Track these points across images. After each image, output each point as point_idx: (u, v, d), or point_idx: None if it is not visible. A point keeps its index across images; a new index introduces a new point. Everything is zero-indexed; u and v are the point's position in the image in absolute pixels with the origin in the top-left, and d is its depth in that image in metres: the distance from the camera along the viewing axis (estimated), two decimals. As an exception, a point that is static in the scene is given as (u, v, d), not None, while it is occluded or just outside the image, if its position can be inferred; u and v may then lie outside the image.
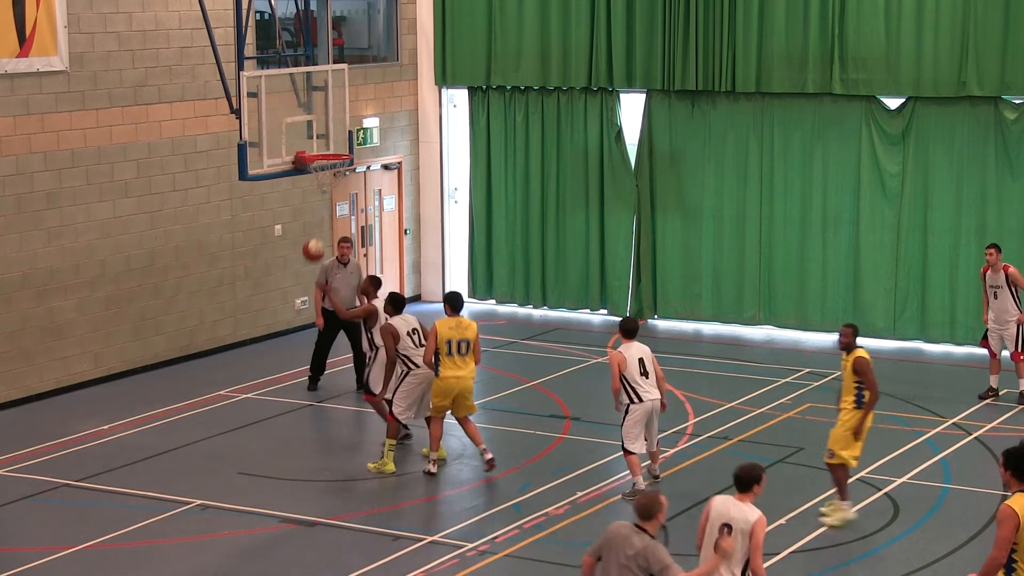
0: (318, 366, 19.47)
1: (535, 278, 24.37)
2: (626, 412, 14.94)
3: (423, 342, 15.86)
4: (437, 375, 15.52)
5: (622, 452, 15.03)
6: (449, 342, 15.46)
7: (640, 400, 14.88)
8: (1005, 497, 14.88)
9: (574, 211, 23.94)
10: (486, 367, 20.66)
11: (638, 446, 14.93)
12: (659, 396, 15.00)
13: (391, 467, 15.80)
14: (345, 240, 19.23)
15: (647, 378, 14.90)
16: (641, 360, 14.92)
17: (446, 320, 15.56)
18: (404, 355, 15.85)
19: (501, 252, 24.62)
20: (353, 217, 23.91)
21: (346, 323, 18.83)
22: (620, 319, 16.66)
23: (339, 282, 18.92)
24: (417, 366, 15.78)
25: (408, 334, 15.91)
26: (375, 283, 17.38)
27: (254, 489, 15.38)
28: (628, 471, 15.16)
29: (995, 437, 16.91)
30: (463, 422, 15.95)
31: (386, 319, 16.23)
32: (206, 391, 19.17)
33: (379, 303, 16.92)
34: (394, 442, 15.95)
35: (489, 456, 15.74)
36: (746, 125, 22.63)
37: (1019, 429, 17.15)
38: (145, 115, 20.26)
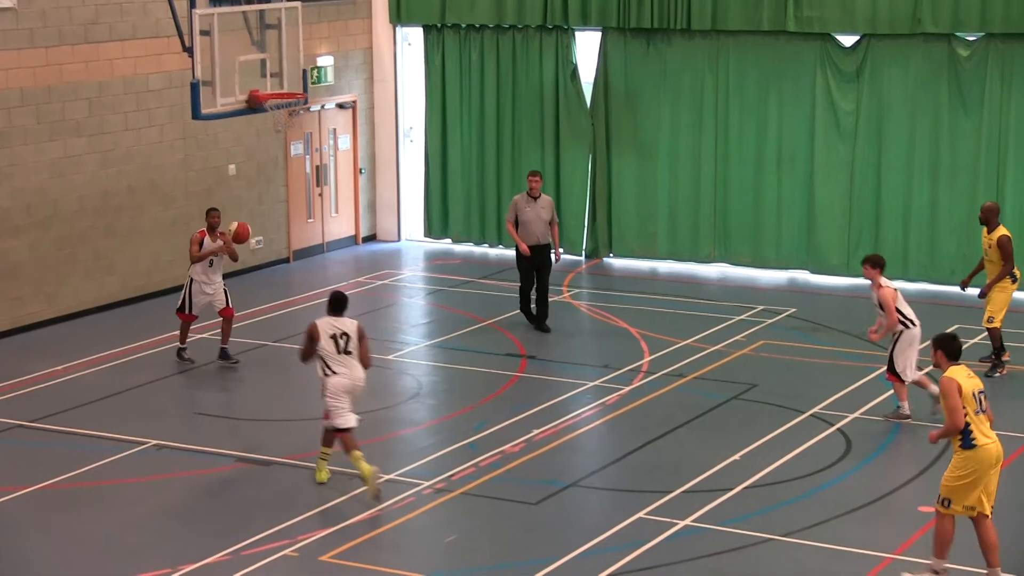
0: (526, 298, 19.35)
1: (491, 217, 24.35)
2: (898, 337, 15.27)
3: (348, 348, 13.52)
4: (971, 446, 11.25)
5: (897, 378, 15.31)
6: (976, 395, 11.38)
7: (913, 325, 15.28)
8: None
9: (530, 150, 23.91)
10: (442, 306, 20.68)
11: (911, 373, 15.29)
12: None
13: (321, 476, 13.88)
14: (535, 173, 19.19)
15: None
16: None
17: (958, 369, 11.46)
18: (322, 357, 13.56)
19: (457, 191, 24.58)
20: (308, 156, 23.79)
21: (539, 258, 18.92)
22: (870, 256, 15.61)
23: (529, 215, 18.94)
24: (335, 372, 13.50)
25: (332, 336, 13.52)
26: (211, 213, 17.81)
27: (210, 429, 15.37)
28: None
29: (946, 373, 17.08)
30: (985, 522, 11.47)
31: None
32: (161, 331, 19.08)
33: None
34: (327, 451, 13.87)
35: None
36: (701, 63, 22.61)
37: (969, 363, 17.30)
38: (96, 53, 20.02)
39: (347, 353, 13.50)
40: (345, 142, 24.54)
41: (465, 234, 24.66)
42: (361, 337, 13.65)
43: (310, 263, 23.51)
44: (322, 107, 23.91)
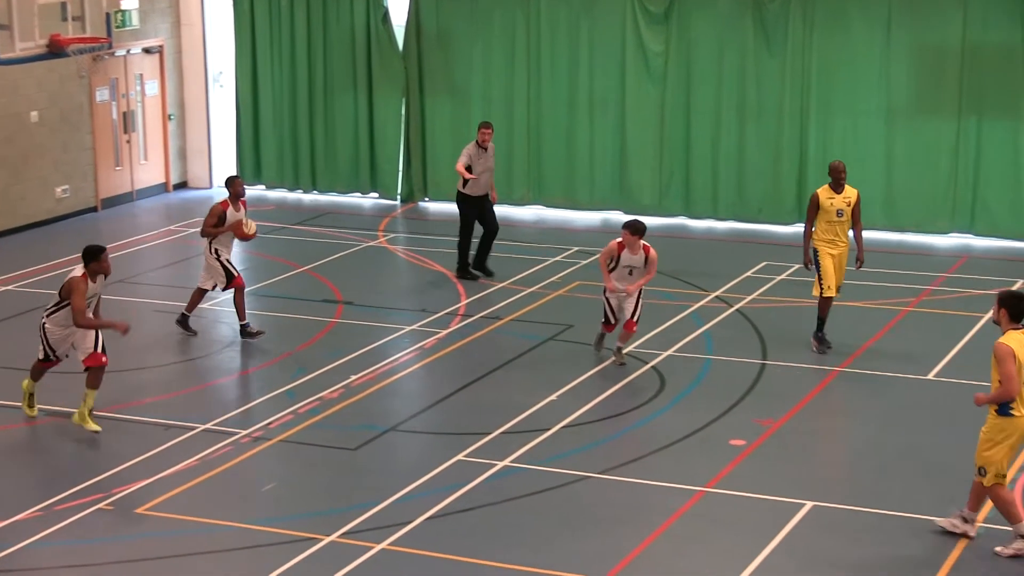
0: (466, 253, 18.91)
1: (304, 162, 24.13)
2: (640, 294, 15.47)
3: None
4: (1007, 414, 10.81)
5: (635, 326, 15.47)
6: None
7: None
8: (764, 366, 15.48)
9: (342, 94, 23.72)
10: (257, 253, 20.44)
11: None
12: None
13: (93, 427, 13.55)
14: (487, 125, 18.76)
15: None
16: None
17: (1017, 334, 10.83)
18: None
19: (269, 136, 24.28)
20: (114, 103, 23.23)
21: (482, 207, 18.64)
22: None
23: (480, 167, 18.53)
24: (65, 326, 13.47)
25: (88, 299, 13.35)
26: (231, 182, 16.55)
27: (16, 382, 14.96)
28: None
29: (755, 309, 17.51)
30: None
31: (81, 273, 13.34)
32: (-36, 285, 18.54)
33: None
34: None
35: None
36: (512, 5, 22.65)
37: (778, 300, 17.78)
38: None
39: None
40: (153, 87, 24.00)
41: (278, 180, 24.40)
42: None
43: (119, 211, 23.02)
44: (128, 52, 23.34)
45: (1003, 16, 20.49)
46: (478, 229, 18.98)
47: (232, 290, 16.40)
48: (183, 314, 16.63)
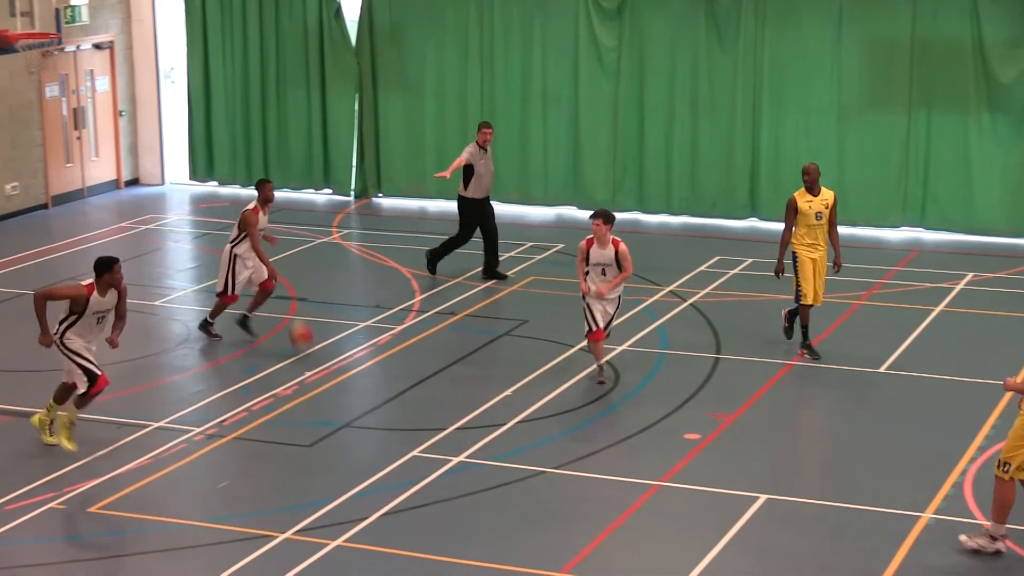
0: (448, 251, 18.61)
1: (257, 158, 24.03)
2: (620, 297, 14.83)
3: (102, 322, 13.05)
4: None
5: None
6: None
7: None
8: (718, 361, 15.55)
9: (295, 90, 23.64)
10: (209, 250, 20.35)
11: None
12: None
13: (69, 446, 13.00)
14: (488, 125, 18.42)
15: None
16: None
17: None
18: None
19: (221, 132, 24.17)
20: (64, 99, 23.05)
21: (484, 211, 18.25)
22: None
23: (482, 168, 18.22)
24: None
25: (96, 314, 12.99)
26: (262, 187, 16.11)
27: (-31, 382, 14.89)
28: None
29: (709, 303, 17.57)
30: None
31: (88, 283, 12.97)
32: (-87, 283, 18.37)
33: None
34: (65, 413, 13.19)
35: None
36: (465, 0, 22.65)
37: (731, 294, 17.85)
38: None
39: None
40: (103, 83, 23.85)
41: (231, 176, 24.30)
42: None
43: (70, 208, 22.86)
44: (78, 47, 23.17)
45: (952, 10, 20.66)
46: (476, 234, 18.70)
47: (221, 298, 16.08)
48: (243, 315, 16.23)
